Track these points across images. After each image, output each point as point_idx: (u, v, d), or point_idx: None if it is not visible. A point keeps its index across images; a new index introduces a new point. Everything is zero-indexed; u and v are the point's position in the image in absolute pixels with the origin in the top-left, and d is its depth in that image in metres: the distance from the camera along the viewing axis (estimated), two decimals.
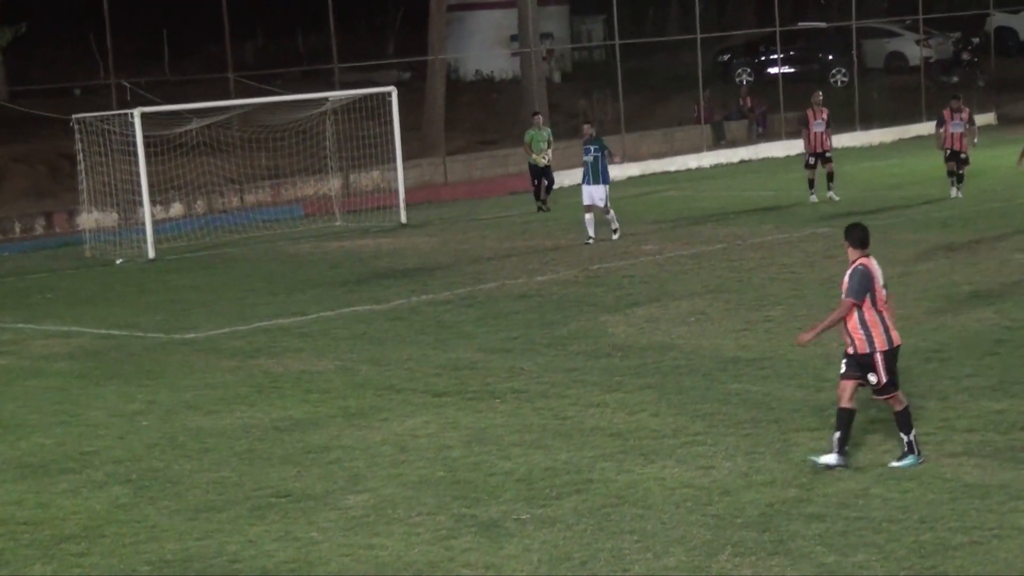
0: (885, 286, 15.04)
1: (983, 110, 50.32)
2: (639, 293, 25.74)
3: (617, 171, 42.96)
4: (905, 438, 14.93)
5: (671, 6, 67.45)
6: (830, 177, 35.45)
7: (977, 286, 24.10)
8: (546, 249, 31.09)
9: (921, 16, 57.85)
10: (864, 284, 14.82)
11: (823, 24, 60.54)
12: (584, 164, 31.33)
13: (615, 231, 31.26)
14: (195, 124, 36.93)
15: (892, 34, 63.92)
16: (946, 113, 33.83)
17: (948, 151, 33.80)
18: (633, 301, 24.96)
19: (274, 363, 21.81)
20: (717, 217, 34.70)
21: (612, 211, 31.30)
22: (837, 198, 35.06)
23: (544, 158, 36.85)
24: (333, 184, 40.25)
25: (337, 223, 37.76)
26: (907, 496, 14.05)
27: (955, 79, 60.76)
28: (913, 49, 61.29)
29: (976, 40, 64.45)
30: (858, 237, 15.06)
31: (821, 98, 36.57)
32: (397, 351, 22.22)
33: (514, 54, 54.44)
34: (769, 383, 18.67)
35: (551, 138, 37.63)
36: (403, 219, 37.36)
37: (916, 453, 14.86)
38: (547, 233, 33.04)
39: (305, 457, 16.69)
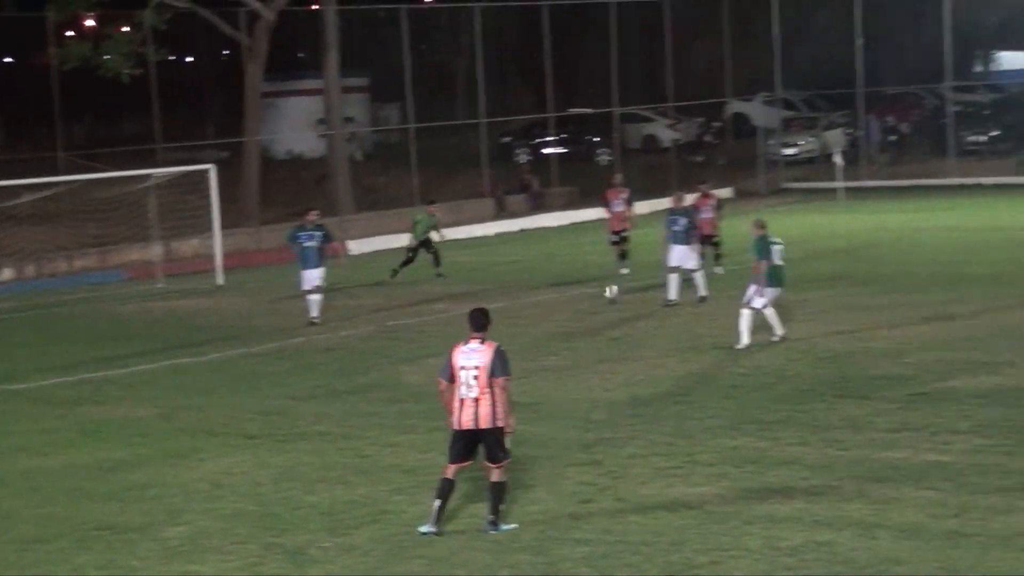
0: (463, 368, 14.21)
1: (723, 185, 51.39)
2: (431, 346, 25.71)
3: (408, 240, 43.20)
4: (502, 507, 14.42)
5: (458, 94, 67.89)
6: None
7: (717, 338, 24.53)
8: (349, 307, 30.99)
9: (671, 104, 59.00)
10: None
11: (589, 110, 61.43)
12: (306, 249, 28.42)
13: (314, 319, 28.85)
14: (26, 198, 36.32)
15: (647, 119, 65.09)
16: (698, 201, 32.38)
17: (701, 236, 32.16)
18: (426, 353, 24.94)
19: (98, 410, 21.54)
20: (500, 279, 34.87)
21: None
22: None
23: (437, 235, 35.27)
24: (156, 251, 39.71)
25: (159, 285, 37.22)
26: (660, 522, 14.28)
27: (700, 158, 62.07)
28: (665, 132, 62.50)
29: (717, 124, 65.91)
30: (474, 320, 14.36)
31: (620, 180, 35.56)
32: (214, 399, 22.03)
33: (321, 136, 54.39)
34: (544, 425, 18.82)
35: (438, 225, 35.83)
36: (220, 281, 36.96)
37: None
38: (349, 294, 32.93)
39: (127, 494, 16.50)
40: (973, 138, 60.12)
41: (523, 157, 61.03)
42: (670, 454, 16.90)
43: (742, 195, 53.60)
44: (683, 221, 28.59)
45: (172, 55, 51.39)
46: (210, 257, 38.30)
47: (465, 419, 14.18)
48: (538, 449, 17.47)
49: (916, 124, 65.57)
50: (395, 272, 34.81)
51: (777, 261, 23.68)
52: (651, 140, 64.83)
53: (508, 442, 14.39)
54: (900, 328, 24.48)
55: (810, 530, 13.74)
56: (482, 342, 14.22)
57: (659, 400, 20.02)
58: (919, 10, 63.32)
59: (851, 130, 60.78)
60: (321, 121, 53.39)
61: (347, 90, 53.44)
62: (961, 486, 14.90)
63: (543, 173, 53.59)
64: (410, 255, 35.18)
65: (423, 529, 14.24)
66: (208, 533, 14.81)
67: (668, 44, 55.54)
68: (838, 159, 52.14)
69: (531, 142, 62.77)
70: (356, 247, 42.96)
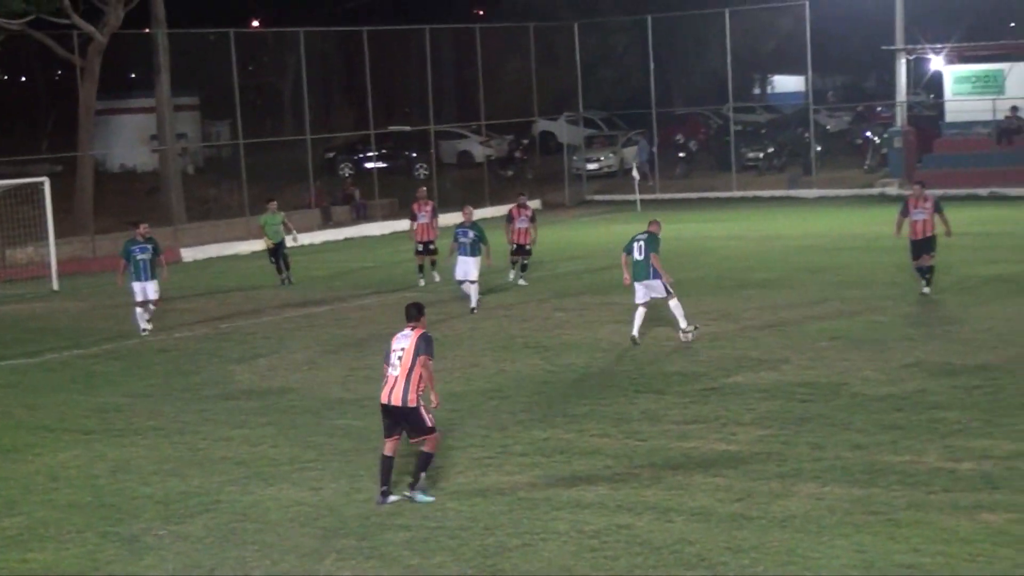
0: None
1: (532, 198, 51.76)
2: (261, 347, 25.53)
3: (244, 246, 42.76)
4: (423, 475, 14.80)
5: (286, 112, 67.39)
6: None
7: (527, 339, 24.69)
8: (182, 311, 30.54)
9: (484, 122, 59.24)
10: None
11: (408, 128, 61.40)
12: (139, 261, 26.98)
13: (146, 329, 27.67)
14: None
15: (462, 136, 65.38)
16: (514, 211, 32.28)
17: (515, 246, 32.03)
18: (256, 353, 24.75)
19: None
20: (327, 284, 34.66)
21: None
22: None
23: (292, 239, 34.79)
24: None
25: None
26: (475, 508, 14.32)
27: (510, 173, 62.45)
28: (478, 148, 62.77)
29: (526, 141, 66.36)
30: (407, 312, 14.87)
31: (425, 193, 34.55)
32: (49, 397, 21.54)
33: (154, 151, 53.63)
34: (368, 419, 18.69)
35: (286, 220, 35.35)
36: (55, 287, 36.13)
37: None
38: (182, 298, 32.43)
39: None
40: (752, 154, 61.57)
41: (347, 171, 60.86)
42: (485, 445, 16.97)
43: (549, 207, 54.13)
44: (472, 234, 28.54)
45: (6, 75, 50.29)
46: (45, 264, 37.43)
47: (385, 395, 14.53)
48: (362, 442, 17.41)
49: (703, 142, 66.81)
50: (284, 280, 34.40)
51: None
52: (465, 155, 65.17)
53: (429, 419, 14.58)
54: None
55: (612, 514, 13.89)
56: (412, 329, 14.65)
57: (474, 395, 20.07)
58: (704, 38, 64.57)
59: (646, 146, 61.66)
60: (154, 137, 52.67)
61: (179, 108, 52.88)
62: (745, 473, 15.19)
63: (366, 186, 53.45)
64: (273, 259, 34.88)
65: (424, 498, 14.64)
66: (46, 523, 14.51)
67: (480, 67, 55.74)
68: (635, 173, 52.95)
69: (354, 157, 62.68)
70: (189, 255, 42.41)
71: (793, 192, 54.32)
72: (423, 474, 14.79)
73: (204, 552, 13.38)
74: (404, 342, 14.58)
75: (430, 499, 14.66)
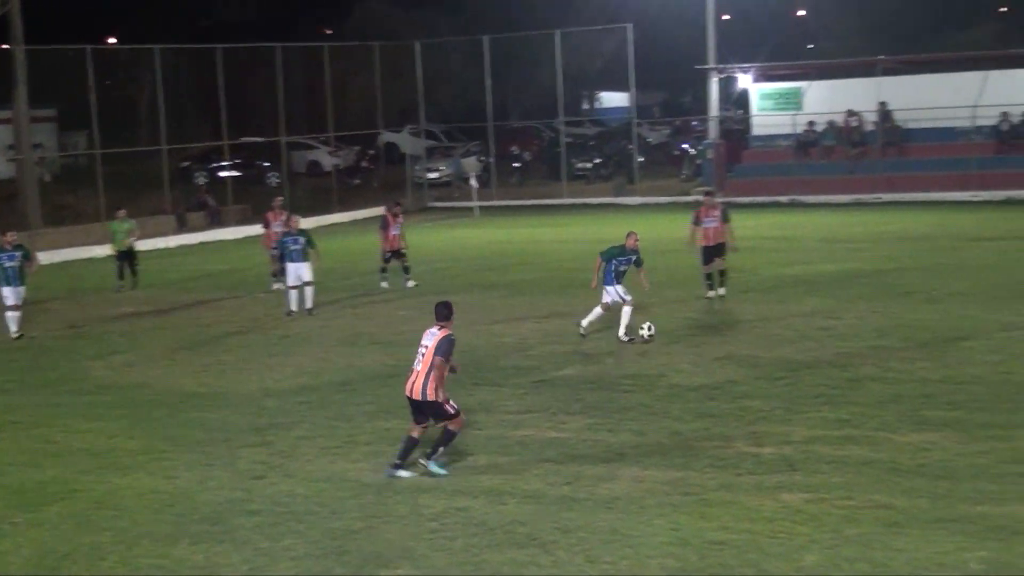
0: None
1: (377, 204, 51.66)
2: (117, 344, 25.05)
3: (100, 251, 41.82)
4: (442, 448, 14.79)
5: (142, 124, 66.11)
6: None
7: (374, 336, 24.60)
8: (38, 312, 29.80)
9: (332, 133, 58.88)
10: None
11: (259, 139, 60.69)
12: (8, 268, 26.08)
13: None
14: None
15: (311, 147, 64.88)
16: (388, 217, 31.76)
17: (390, 253, 31.39)
18: (113, 350, 24.28)
19: None
20: (182, 286, 34.13)
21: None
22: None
23: (125, 245, 33.89)
24: None
25: None
26: (323, 494, 14.22)
27: (357, 181, 62.17)
28: (327, 158, 62.39)
29: (372, 152, 66.12)
30: (436, 311, 14.76)
31: (280, 203, 33.44)
32: None
33: (11, 160, 52.32)
34: (221, 412, 18.54)
35: (134, 227, 34.37)
36: None
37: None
38: (40, 299, 31.64)
39: None
40: (581, 165, 62.20)
41: (201, 179, 59.94)
42: (332, 435, 16.87)
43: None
44: (302, 240, 28.13)
45: None
46: None
47: (408, 387, 14.59)
48: (215, 433, 17.20)
49: (537, 153, 67.24)
50: (121, 287, 33.49)
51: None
52: (315, 165, 64.71)
53: (450, 406, 14.59)
54: (525, 325, 25.00)
55: (450, 498, 13.90)
56: (440, 329, 14.55)
57: (324, 388, 19.95)
58: (537, 57, 64.97)
59: (483, 157, 61.90)
60: (11, 147, 51.41)
61: (36, 120, 51.58)
62: (573, 458, 15.31)
63: (220, 194, 52.74)
64: (118, 263, 34.01)
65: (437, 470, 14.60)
66: None
67: (328, 82, 55.39)
68: (473, 182, 53.08)
69: (208, 166, 61.74)
70: (45, 258, 41.26)
71: (618, 199, 54.96)
72: (443, 448, 14.80)
73: (59, 538, 13.08)
74: (429, 340, 14.54)
75: (443, 472, 14.65)
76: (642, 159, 60.58)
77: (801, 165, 53.61)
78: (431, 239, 43.04)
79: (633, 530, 12.64)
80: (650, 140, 70.25)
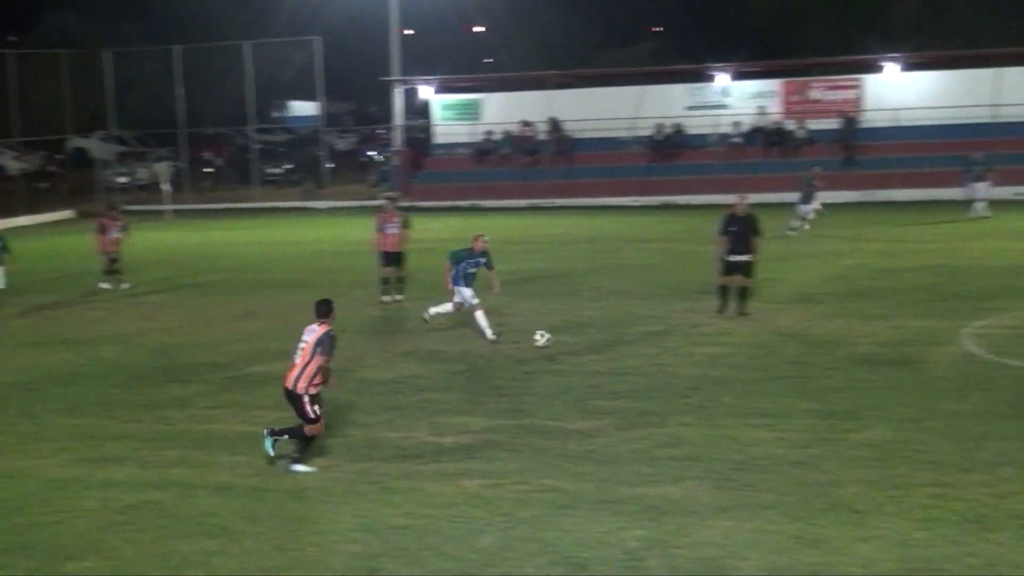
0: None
1: (66, 208, 49.94)
2: None
3: None
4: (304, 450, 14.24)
5: None
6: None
7: (62, 335, 23.64)
8: None
9: (17, 139, 56.47)
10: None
11: None
12: None
13: None
14: None
15: None
16: (105, 222, 29.87)
17: (107, 255, 29.97)
18: None
19: None
20: None
21: None
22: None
23: None
24: None
25: None
26: (7, 491, 13.59)
27: (45, 185, 59.84)
28: (12, 163, 59.84)
29: (60, 156, 63.73)
30: (316, 309, 14.22)
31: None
32: None
33: None
34: None
35: None
36: None
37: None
38: None
39: None
40: (272, 170, 61.59)
41: None
42: (16, 433, 16.12)
43: (84, 216, 52.05)
44: None
45: None
46: None
47: (286, 378, 14.17)
48: None
49: (229, 159, 66.14)
50: None
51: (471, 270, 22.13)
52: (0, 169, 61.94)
53: (312, 409, 13.99)
54: (217, 324, 24.53)
55: (141, 491, 13.49)
56: (319, 325, 14.08)
57: (4, 388, 19.04)
58: (228, 66, 63.85)
59: (175, 162, 60.44)
60: None
61: None
62: (262, 451, 15.07)
63: None
64: None
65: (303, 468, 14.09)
66: None
67: (13, 88, 53.01)
68: (165, 186, 51.78)
69: None
70: None
71: (308, 203, 54.62)
72: (304, 450, 14.19)
73: None
74: (308, 336, 14.05)
75: (310, 469, 14.09)
76: (331, 165, 60.40)
77: (480, 172, 54.48)
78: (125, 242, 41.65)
79: (320, 518, 12.56)
80: (339, 147, 70.09)
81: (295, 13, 64.76)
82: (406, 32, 64.50)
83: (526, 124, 55.13)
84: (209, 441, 15.66)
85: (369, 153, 64.14)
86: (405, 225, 26.85)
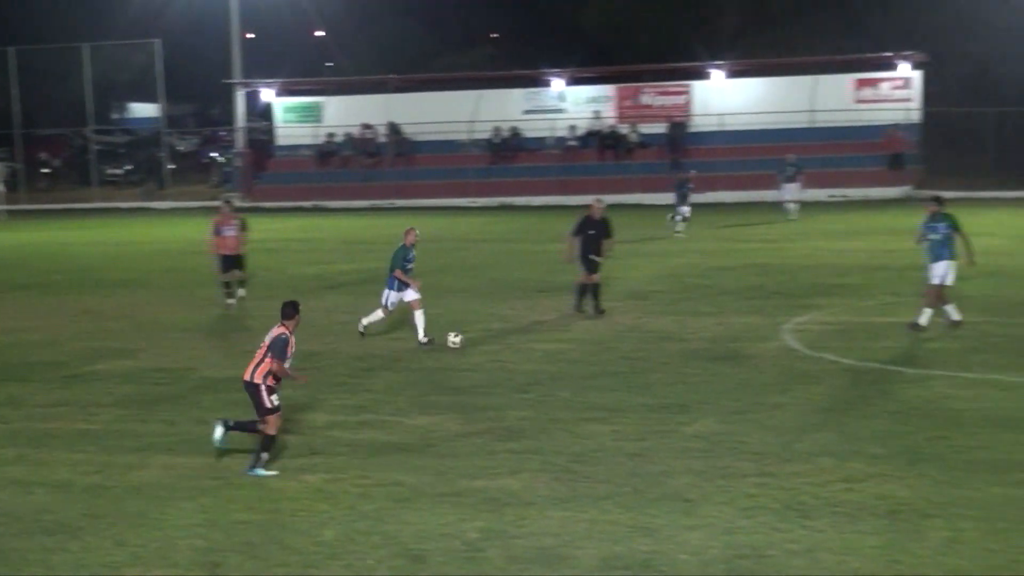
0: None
1: None
2: None
3: None
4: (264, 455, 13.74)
5: None
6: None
7: None
8: None
9: None
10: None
11: None
12: None
13: None
14: None
15: None
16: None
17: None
18: None
19: None
20: None
21: None
22: None
23: None
24: None
25: None
26: None
27: None
28: None
29: None
30: (282, 310, 14.02)
31: None
32: None
33: None
34: None
35: None
36: None
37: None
38: None
39: None
40: (112, 171, 60.23)
41: None
42: None
43: None
44: None
45: None
46: None
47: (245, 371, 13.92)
48: None
49: (67, 159, 64.45)
50: None
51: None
52: None
53: (269, 399, 13.65)
54: (55, 323, 23.86)
55: None
56: (279, 326, 13.87)
57: None
58: (67, 68, 62.28)
59: (11, 163, 58.68)
60: None
61: None
62: (104, 448, 14.73)
63: None
64: None
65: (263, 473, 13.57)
66: None
67: None
68: (0, 187, 50.34)
69: None
70: None
71: (148, 204, 53.59)
72: (264, 455, 13.63)
73: None
74: (267, 336, 13.81)
75: (270, 474, 13.53)
76: (173, 166, 59.27)
77: (322, 173, 54.12)
78: None
79: (162, 514, 12.29)
80: (180, 148, 68.79)
81: (136, 15, 63.36)
82: (248, 36, 63.65)
83: (367, 127, 54.92)
84: (47, 439, 15.22)
85: (211, 155, 63.10)
86: (243, 227, 26.15)
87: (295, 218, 46.02)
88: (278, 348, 13.69)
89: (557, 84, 55.07)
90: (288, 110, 57.20)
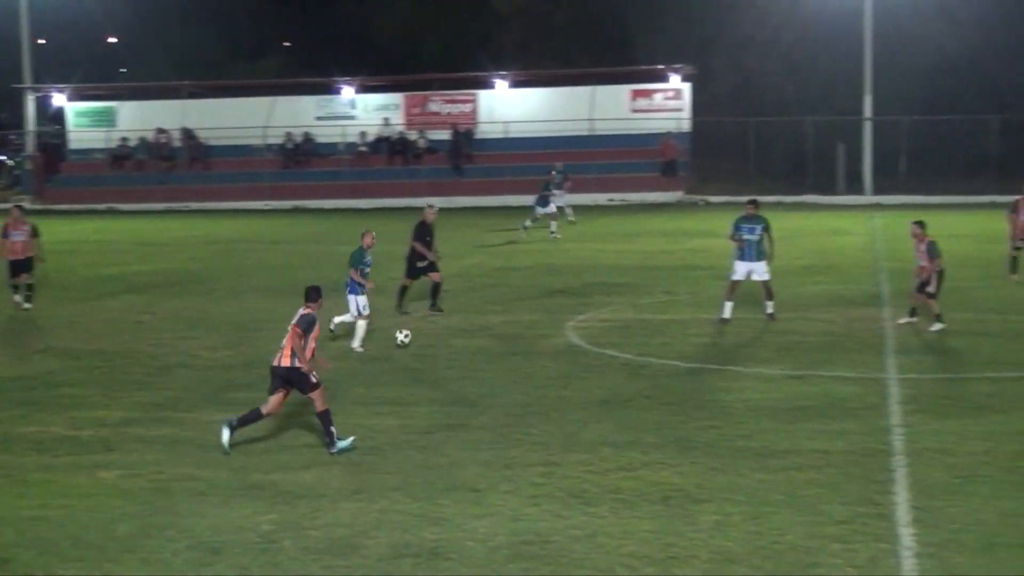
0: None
1: None
2: None
3: None
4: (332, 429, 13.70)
5: None
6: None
7: None
8: None
9: None
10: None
11: None
12: None
13: None
14: None
15: None
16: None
17: None
18: None
19: None
20: None
21: None
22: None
23: None
24: None
25: None
26: None
27: None
28: None
29: None
30: (306, 293, 14.09)
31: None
32: None
33: None
34: None
35: None
36: None
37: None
38: None
39: None
40: None
41: None
42: None
43: None
44: None
45: None
46: None
47: (274, 359, 13.84)
48: None
49: None
50: None
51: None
52: None
53: (314, 377, 13.65)
54: None
55: None
56: (304, 308, 13.91)
57: None
58: None
59: None
60: None
61: None
62: None
63: None
64: None
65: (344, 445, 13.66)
66: None
67: None
68: None
69: None
70: None
71: None
72: (332, 428, 13.63)
73: None
74: (295, 318, 13.80)
75: (348, 445, 13.66)
76: None
77: (116, 176, 52.71)
78: None
79: None
80: None
81: None
82: (38, 41, 61.32)
83: (161, 131, 53.65)
84: None
85: (0, 158, 60.56)
86: (34, 233, 25.02)
87: (89, 220, 44.58)
88: (302, 322, 13.73)
89: (348, 92, 54.76)
90: (80, 114, 55.44)
